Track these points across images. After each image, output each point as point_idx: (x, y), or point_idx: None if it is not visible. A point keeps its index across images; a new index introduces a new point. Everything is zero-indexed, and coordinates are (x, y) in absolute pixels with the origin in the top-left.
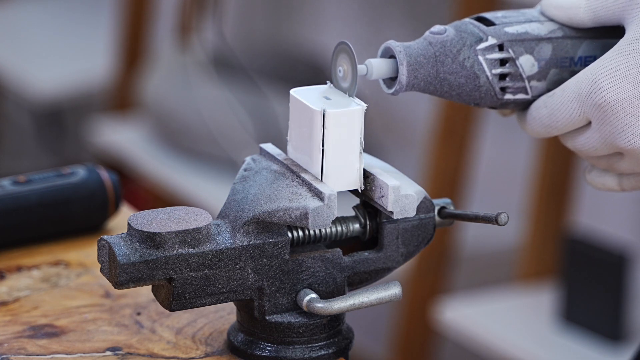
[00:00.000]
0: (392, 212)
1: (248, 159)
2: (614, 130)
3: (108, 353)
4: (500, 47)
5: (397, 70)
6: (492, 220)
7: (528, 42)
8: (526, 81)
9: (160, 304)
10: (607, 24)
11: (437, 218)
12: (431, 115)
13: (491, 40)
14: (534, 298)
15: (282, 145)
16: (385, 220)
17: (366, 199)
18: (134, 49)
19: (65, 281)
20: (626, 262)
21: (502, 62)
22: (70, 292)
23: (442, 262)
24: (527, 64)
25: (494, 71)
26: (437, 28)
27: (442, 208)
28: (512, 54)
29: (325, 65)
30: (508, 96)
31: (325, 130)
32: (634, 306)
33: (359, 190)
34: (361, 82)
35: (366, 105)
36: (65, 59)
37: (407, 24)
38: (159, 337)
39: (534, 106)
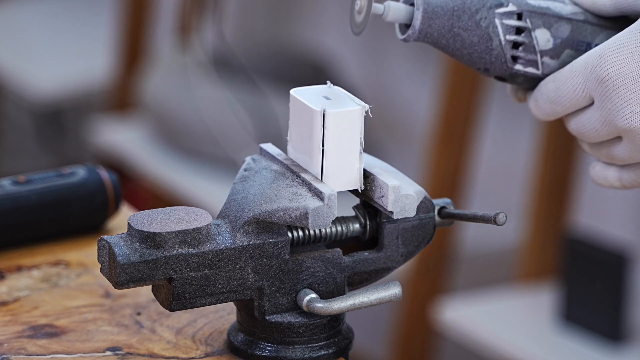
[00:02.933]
0: (392, 212)
1: (248, 159)
2: (613, 108)
3: (108, 353)
4: (519, 16)
5: (413, 18)
6: (490, 220)
7: (547, 17)
8: (538, 55)
9: (160, 304)
10: (628, 12)
11: (437, 218)
12: (431, 115)
13: (511, 7)
14: (534, 298)
15: (282, 145)
16: (385, 220)
17: (366, 199)
18: (134, 49)
19: (65, 281)
20: (626, 262)
21: (518, 30)
22: (70, 292)
23: (442, 262)
24: (542, 38)
25: (508, 37)
26: None
27: (442, 208)
28: (529, 24)
29: (325, 65)
30: (518, 67)
31: (325, 130)
32: (634, 306)
33: (359, 190)
34: (363, 77)
35: (368, 105)
36: (65, 59)
37: None
38: (159, 337)
39: (543, 81)
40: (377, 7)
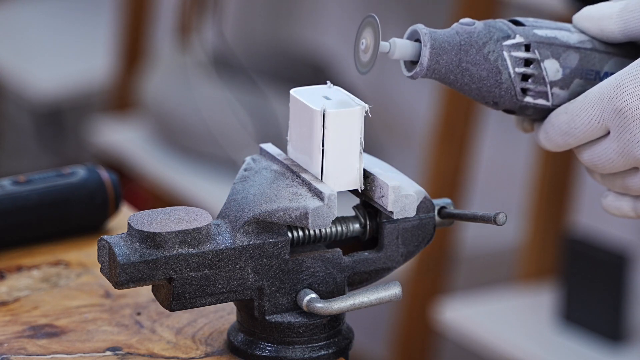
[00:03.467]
0: (392, 212)
1: (248, 159)
2: (632, 139)
3: (108, 353)
4: (527, 48)
5: (419, 54)
6: (490, 220)
7: (555, 47)
8: (548, 86)
9: (160, 304)
10: (637, 38)
11: (437, 218)
12: (431, 115)
13: (519, 39)
14: (534, 298)
15: (282, 145)
16: (385, 220)
17: (366, 199)
18: (134, 49)
19: (65, 281)
20: (626, 262)
21: (527, 62)
22: (70, 292)
23: (442, 262)
24: (551, 68)
25: (517, 69)
26: (466, 20)
27: (442, 208)
28: (537, 55)
29: (325, 65)
30: (528, 99)
31: (325, 130)
32: (634, 306)
33: (359, 190)
34: (363, 77)
35: (368, 105)
36: (65, 59)
37: (406, 25)
38: (159, 337)
39: (554, 113)
40: (383, 45)
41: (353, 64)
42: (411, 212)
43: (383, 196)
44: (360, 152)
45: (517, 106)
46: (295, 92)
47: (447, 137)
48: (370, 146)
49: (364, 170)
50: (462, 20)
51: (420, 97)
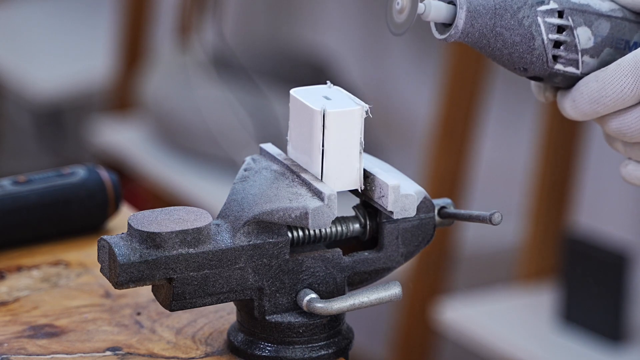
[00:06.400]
0: (392, 212)
1: (248, 159)
2: None
3: (108, 353)
4: (560, 14)
5: (454, 17)
6: (486, 219)
7: (588, 15)
8: (580, 54)
9: (160, 304)
10: None
11: (437, 218)
12: (431, 115)
13: (552, 5)
14: (534, 298)
15: (282, 145)
16: (385, 220)
17: (366, 199)
18: (134, 49)
19: (65, 281)
20: (626, 262)
21: (560, 29)
22: (70, 292)
23: (442, 262)
24: (584, 36)
25: (550, 36)
26: None
27: (442, 208)
28: (570, 22)
29: (325, 65)
30: (558, 66)
31: (325, 130)
32: (634, 306)
33: (359, 190)
34: (363, 77)
35: (368, 105)
36: (65, 59)
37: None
38: (159, 337)
39: (583, 81)
40: (418, 6)
41: (352, 57)
42: (411, 212)
43: (383, 196)
44: (360, 152)
45: (547, 73)
46: (295, 92)
47: (447, 137)
48: (370, 146)
49: (364, 170)
50: None
51: (420, 97)
